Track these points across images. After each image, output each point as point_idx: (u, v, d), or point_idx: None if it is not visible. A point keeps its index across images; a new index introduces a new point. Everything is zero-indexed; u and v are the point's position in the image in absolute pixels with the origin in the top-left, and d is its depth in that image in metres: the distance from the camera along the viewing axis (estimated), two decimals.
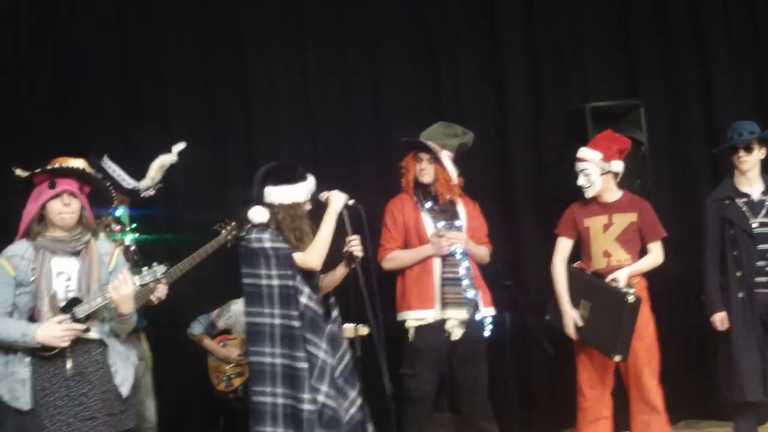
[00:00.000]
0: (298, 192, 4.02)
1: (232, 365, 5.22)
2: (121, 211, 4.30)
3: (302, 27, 5.64)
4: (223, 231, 4.58)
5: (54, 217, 3.51)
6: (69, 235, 3.54)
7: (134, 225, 4.38)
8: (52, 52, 5.39)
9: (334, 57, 5.65)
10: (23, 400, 3.39)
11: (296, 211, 4.02)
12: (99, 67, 5.40)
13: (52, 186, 3.49)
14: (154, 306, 4.26)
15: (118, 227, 4.25)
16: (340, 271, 4.08)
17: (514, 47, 5.75)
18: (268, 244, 3.96)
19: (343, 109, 5.66)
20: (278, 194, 4.02)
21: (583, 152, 4.78)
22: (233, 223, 4.58)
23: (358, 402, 3.99)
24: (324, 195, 4.09)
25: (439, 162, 4.58)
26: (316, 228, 4.04)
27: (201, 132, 5.33)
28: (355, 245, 3.97)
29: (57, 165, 3.55)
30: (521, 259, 5.53)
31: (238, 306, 5.31)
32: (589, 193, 4.75)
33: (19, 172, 3.53)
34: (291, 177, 4.05)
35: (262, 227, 4.00)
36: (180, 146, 4.33)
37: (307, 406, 3.85)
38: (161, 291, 4.22)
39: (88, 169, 3.70)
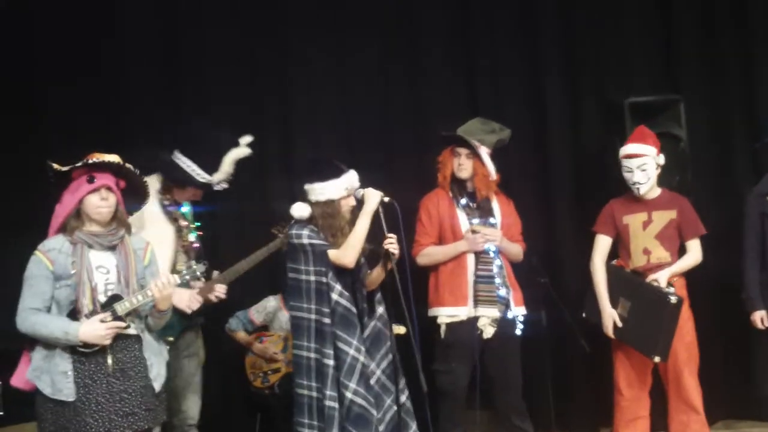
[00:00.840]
0: (331, 189, 4.04)
1: (268, 361, 5.26)
2: (186, 208, 4.31)
3: (340, 18, 5.64)
4: (280, 235, 4.58)
5: (92, 212, 3.54)
6: (105, 229, 3.58)
7: (198, 223, 4.39)
8: (95, 50, 5.46)
9: (371, 49, 5.64)
10: (66, 392, 3.43)
11: (331, 209, 4.04)
12: (143, 61, 5.47)
13: (91, 180, 3.53)
14: (213, 304, 4.28)
15: (185, 223, 4.26)
16: (377, 271, 4.09)
17: (552, 42, 5.68)
18: (306, 240, 4.01)
19: (379, 103, 5.66)
20: (314, 191, 4.05)
21: (640, 148, 4.68)
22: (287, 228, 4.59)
23: (402, 399, 4.00)
24: (359, 192, 4.10)
25: (477, 157, 4.56)
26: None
27: (241, 125, 5.36)
28: (391, 243, 3.97)
29: (94, 160, 3.58)
30: (557, 255, 5.47)
31: (274, 302, 5.35)
32: (644, 189, 4.66)
33: (56, 166, 3.56)
34: (325, 174, 4.07)
35: (303, 223, 4.05)
36: (248, 139, 4.30)
37: (329, 403, 3.91)
38: (220, 290, 4.24)
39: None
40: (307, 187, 4.06)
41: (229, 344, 5.32)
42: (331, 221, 4.04)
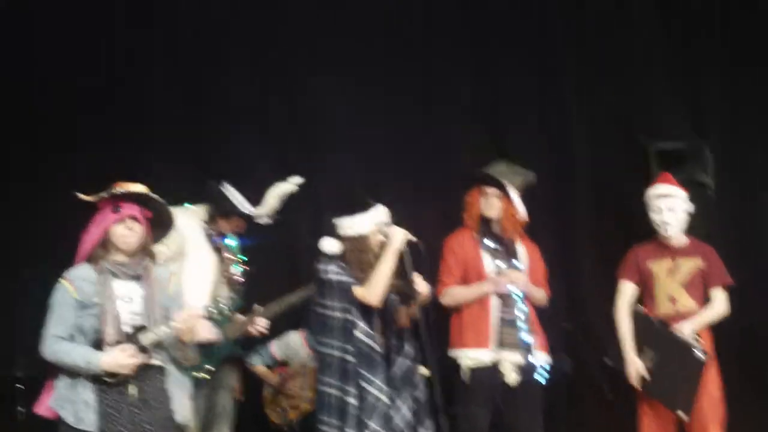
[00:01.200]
0: (360, 223, 4.05)
1: (287, 397, 5.25)
2: (232, 241, 4.35)
3: (366, 53, 5.71)
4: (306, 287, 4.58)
5: (118, 241, 3.57)
6: (130, 259, 3.61)
7: (243, 257, 4.42)
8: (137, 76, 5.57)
9: (399, 86, 5.70)
10: (88, 422, 3.43)
11: (360, 244, 4.04)
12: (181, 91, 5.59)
13: (116, 210, 3.56)
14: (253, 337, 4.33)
15: (228, 255, 4.30)
16: (405, 310, 4.08)
17: (577, 89, 5.71)
18: (332, 276, 4.01)
19: (404, 141, 5.71)
20: (343, 226, 4.07)
21: (671, 189, 4.69)
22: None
23: None
24: (385, 230, 4.12)
25: (506, 198, 4.56)
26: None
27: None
28: (418, 283, 3.96)
29: (118, 188, 3.61)
30: (580, 300, 5.45)
31: (296, 338, 5.36)
32: (672, 230, 4.64)
33: (82, 196, 3.59)
34: (354, 208, 4.08)
35: (331, 258, 4.05)
36: (297, 179, 4.37)
37: None
38: (261, 324, 4.27)
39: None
40: (336, 221, 4.08)
41: (250, 378, 5.32)
42: (360, 256, 4.03)
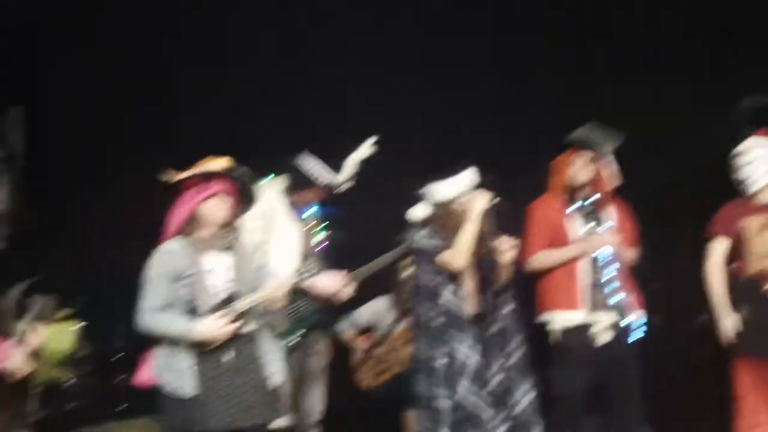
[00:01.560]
0: (449, 188, 4.06)
1: (376, 362, 5.31)
2: (312, 210, 4.38)
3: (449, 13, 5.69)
4: (405, 240, 4.61)
5: (209, 216, 3.65)
6: (220, 232, 3.68)
7: (324, 224, 4.46)
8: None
9: (484, 46, 5.67)
10: (187, 389, 3.54)
11: (448, 208, 4.05)
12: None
13: (208, 187, 3.63)
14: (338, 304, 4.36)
15: (310, 225, 4.34)
16: (498, 273, 4.09)
17: (678, 42, 5.53)
18: (420, 243, 4.08)
19: (489, 105, 5.65)
20: (432, 191, 4.09)
21: (760, 141, 4.49)
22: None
23: (527, 399, 4.02)
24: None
25: (597, 161, 4.48)
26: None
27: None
28: (506, 246, 3.94)
29: (203, 166, 3.68)
30: (672, 260, 5.34)
31: (382, 303, 5.40)
32: (754, 187, 4.49)
33: (171, 175, 3.67)
34: (443, 173, 4.09)
35: (421, 225, 4.10)
36: (371, 140, 4.34)
37: (440, 402, 3.97)
38: (348, 290, 4.31)
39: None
40: (426, 188, 4.09)
41: (339, 344, 5.40)
42: (448, 221, 4.05)
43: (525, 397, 4.04)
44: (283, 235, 4.12)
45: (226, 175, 3.68)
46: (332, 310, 4.45)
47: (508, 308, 4.12)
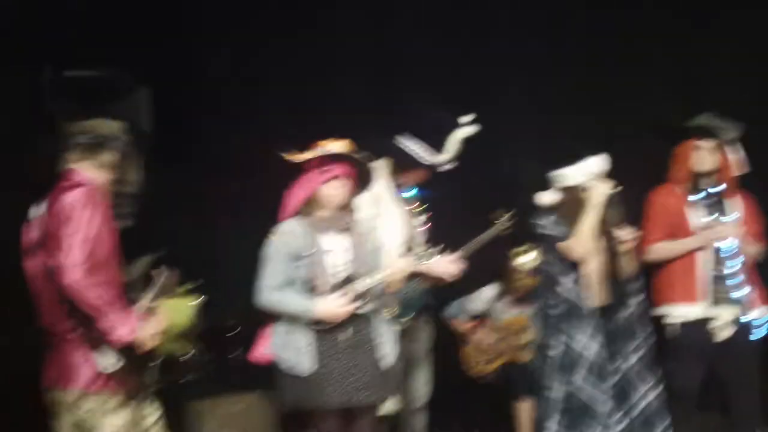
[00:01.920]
0: (576, 174, 4.03)
1: (484, 351, 5.27)
2: (412, 192, 4.37)
3: None
4: (496, 222, 4.58)
5: (326, 199, 3.69)
6: (338, 213, 3.72)
7: (424, 206, 4.44)
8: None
9: (597, 32, 5.55)
10: (305, 366, 3.59)
11: (574, 194, 4.02)
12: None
13: (326, 171, 3.66)
14: (443, 286, 4.32)
15: (411, 207, 4.32)
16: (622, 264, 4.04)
17: None
18: (545, 230, 4.08)
19: (602, 92, 5.54)
20: (559, 177, 4.09)
21: None
22: (508, 214, 4.60)
23: (653, 393, 3.98)
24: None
25: (721, 150, 4.33)
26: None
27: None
28: (626, 237, 3.87)
29: (325, 148, 3.70)
30: None
31: (491, 292, 5.37)
32: None
33: (290, 156, 3.69)
34: (569, 158, 4.05)
35: (546, 211, 4.08)
36: (468, 117, 4.26)
37: (552, 393, 3.99)
38: (453, 271, 4.27)
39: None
40: (553, 173, 4.06)
41: (449, 330, 5.39)
42: (574, 208, 4.01)
43: (652, 391, 4.00)
44: (390, 220, 4.12)
45: (348, 158, 3.70)
46: (437, 293, 4.42)
47: (635, 300, 4.06)
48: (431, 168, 4.24)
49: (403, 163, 4.24)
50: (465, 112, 4.31)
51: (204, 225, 5.88)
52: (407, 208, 4.31)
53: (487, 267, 5.45)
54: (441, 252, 3.69)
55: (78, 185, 3.06)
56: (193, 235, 5.75)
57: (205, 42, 5.80)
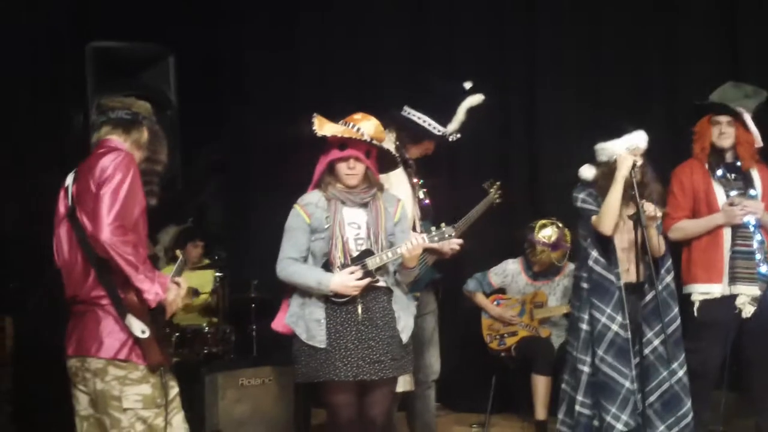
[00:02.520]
0: (613, 148, 4.06)
1: (505, 324, 5.27)
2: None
3: None
4: (491, 191, 4.59)
5: (340, 176, 3.67)
6: (359, 187, 3.69)
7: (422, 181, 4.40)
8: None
9: (625, 15, 5.50)
10: (319, 339, 3.58)
11: (610, 169, 4.04)
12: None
13: (342, 148, 3.62)
14: (447, 260, 4.29)
15: (415, 180, 4.27)
16: (650, 243, 3.99)
17: None
18: (579, 204, 4.16)
19: (630, 73, 5.50)
20: (599, 151, 4.13)
21: None
22: (498, 183, 4.62)
23: (679, 373, 3.99)
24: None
25: (740, 124, 4.26)
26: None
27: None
28: (649, 209, 3.90)
29: (351, 125, 3.66)
30: None
31: (513, 266, 5.35)
32: None
33: (317, 125, 3.65)
34: (608, 133, 4.09)
35: (584, 185, 4.17)
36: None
37: (579, 365, 4.05)
38: (455, 243, 4.24)
39: (380, 128, 3.74)
40: (596, 147, 4.12)
41: (467, 304, 5.39)
42: (609, 182, 4.05)
43: (681, 370, 3.99)
44: (401, 194, 4.08)
45: (368, 143, 3.65)
46: (447, 268, 4.41)
47: (666, 280, 4.06)
48: (440, 139, 4.17)
49: (412, 135, 4.17)
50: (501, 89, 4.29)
51: (233, 197, 5.89)
52: (413, 181, 4.27)
53: (509, 240, 5.48)
54: (452, 231, 3.64)
55: (115, 149, 3.10)
56: (221, 208, 5.79)
57: (234, 20, 5.81)
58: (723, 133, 4.28)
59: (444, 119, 4.14)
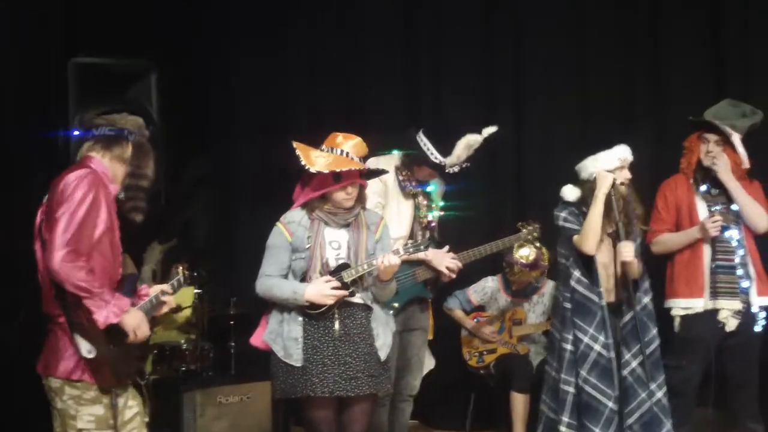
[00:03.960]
0: (590, 166, 4.09)
1: (484, 342, 5.29)
2: (432, 187, 4.37)
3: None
4: (523, 230, 4.56)
5: (337, 203, 3.66)
6: (345, 211, 3.69)
7: (442, 203, 4.44)
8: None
9: (609, 19, 5.57)
10: (295, 357, 3.60)
11: (590, 187, 4.06)
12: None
13: (337, 179, 3.60)
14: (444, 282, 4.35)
15: (425, 202, 4.33)
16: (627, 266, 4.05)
17: None
18: (560, 222, 4.15)
19: (618, 86, 5.56)
20: (582, 169, 4.14)
21: None
22: (536, 225, 4.55)
23: (658, 394, 3.99)
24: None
25: (728, 144, 4.33)
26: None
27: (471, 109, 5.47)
28: (625, 253, 3.88)
29: (339, 151, 3.64)
30: None
31: (493, 283, 5.38)
32: None
33: (303, 157, 3.60)
34: (594, 152, 4.12)
35: (565, 205, 4.15)
36: (490, 129, 4.28)
37: (563, 386, 4.01)
38: (452, 268, 4.24)
39: (362, 143, 3.71)
40: (577, 166, 4.14)
41: (446, 321, 5.40)
42: (590, 200, 4.07)
43: (660, 391, 3.99)
44: (393, 209, 4.14)
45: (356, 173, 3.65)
46: (438, 286, 4.44)
47: (644, 300, 4.06)
48: (438, 168, 4.23)
49: (413, 158, 4.26)
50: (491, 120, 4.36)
51: (217, 214, 5.89)
52: (420, 201, 4.31)
53: (488, 259, 5.50)
54: (441, 248, 3.66)
55: (83, 167, 3.07)
56: (206, 224, 5.78)
57: (219, 35, 5.82)
58: (710, 152, 4.34)
59: (446, 150, 4.21)
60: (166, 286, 3.31)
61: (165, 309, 3.31)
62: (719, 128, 4.30)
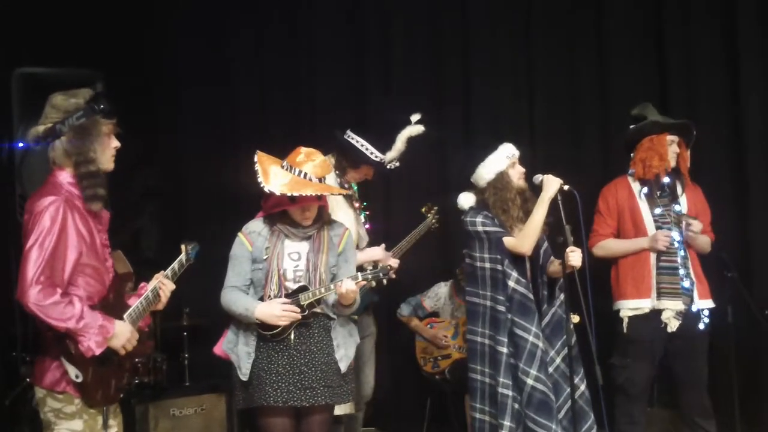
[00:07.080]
0: (493, 164, 4.07)
1: (439, 347, 5.31)
2: (352, 188, 4.32)
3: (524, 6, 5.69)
4: (429, 214, 4.66)
5: (296, 219, 3.63)
6: (306, 226, 3.66)
7: (365, 203, 4.44)
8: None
9: (559, 33, 5.62)
10: (244, 371, 3.59)
11: (500, 182, 4.06)
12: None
13: (293, 200, 3.58)
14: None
15: (357, 204, 4.31)
16: (554, 266, 4.06)
17: (751, 27, 5.30)
18: (480, 228, 4.04)
19: (565, 92, 5.61)
20: (479, 176, 4.10)
21: None
22: (436, 207, 4.67)
23: (581, 388, 3.96)
24: (538, 178, 4.07)
25: (684, 145, 4.40)
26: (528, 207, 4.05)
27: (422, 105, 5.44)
28: (573, 258, 3.83)
29: (297, 171, 3.58)
30: (747, 248, 5.17)
31: (445, 289, 5.40)
32: None
33: (262, 174, 3.55)
34: (480, 155, 4.10)
35: (477, 209, 4.08)
36: (416, 116, 4.27)
37: (502, 390, 3.93)
38: (393, 265, 4.26)
39: (325, 163, 3.66)
40: (473, 177, 4.12)
41: (400, 329, 5.41)
42: (502, 194, 4.05)
43: (582, 384, 3.97)
44: (343, 220, 4.10)
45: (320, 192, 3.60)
46: (385, 292, 4.44)
47: (561, 297, 4.03)
48: (378, 165, 4.20)
49: (351, 160, 4.19)
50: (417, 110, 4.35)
51: (166, 224, 5.81)
52: (355, 205, 4.28)
53: (440, 265, 5.53)
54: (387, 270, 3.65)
55: (48, 193, 2.97)
56: (155, 234, 5.69)
57: (166, 44, 5.77)
58: (672, 152, 4.41)
59: (384, 146, 4.18)
60: (164, 274, 3.24)
61: (163, 298, 3.22)
62: (691, 128, 4.36)
